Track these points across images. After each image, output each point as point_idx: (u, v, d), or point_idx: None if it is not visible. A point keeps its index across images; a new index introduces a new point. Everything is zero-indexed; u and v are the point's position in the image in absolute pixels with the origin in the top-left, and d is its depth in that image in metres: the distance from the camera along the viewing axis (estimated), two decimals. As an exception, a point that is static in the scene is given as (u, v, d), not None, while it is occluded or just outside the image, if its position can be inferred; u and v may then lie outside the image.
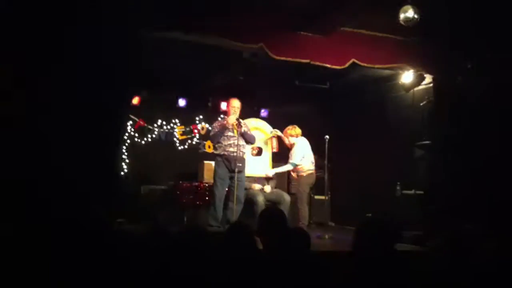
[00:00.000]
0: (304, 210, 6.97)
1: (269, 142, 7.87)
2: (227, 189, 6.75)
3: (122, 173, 8.46)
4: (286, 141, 7.40)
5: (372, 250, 2.79)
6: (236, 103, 6.77)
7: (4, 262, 2.66)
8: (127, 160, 8.73)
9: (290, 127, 7.30)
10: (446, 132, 6.69)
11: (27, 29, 5.05)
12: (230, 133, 6.71)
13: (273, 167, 7.65)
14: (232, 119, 6.62)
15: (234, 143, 6.68)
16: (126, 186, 7.89)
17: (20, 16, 5.03)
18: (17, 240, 3.04)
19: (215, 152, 6.84)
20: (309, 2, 5.99)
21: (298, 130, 7.26)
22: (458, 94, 6.64)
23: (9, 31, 5.00)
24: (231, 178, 6.64)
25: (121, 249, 2.85)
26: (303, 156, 7.07)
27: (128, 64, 5.69)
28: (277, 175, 7.57)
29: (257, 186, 7.29)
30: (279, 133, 7.61)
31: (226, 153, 6.67)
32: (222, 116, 8.47)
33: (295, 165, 7.13)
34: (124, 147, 8.68)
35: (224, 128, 6.69)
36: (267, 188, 7.32)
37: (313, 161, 7.21)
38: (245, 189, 6.97)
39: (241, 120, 6.74)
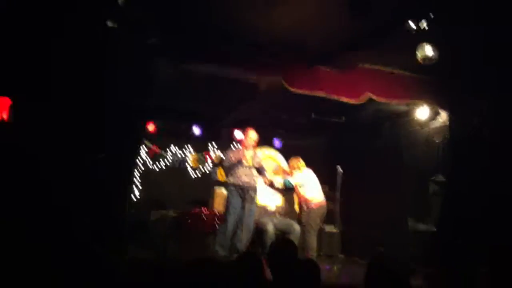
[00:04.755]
0: (313, 242, 6.93)
1: (281, 174, 7.90)
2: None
3: (134, 198, 8.48)
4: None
5: (385, 286, 2.74)
6: (255, 136, 6.83)
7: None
8: (139, 186, 8.76)
9: (293, 158, 7.37)
10: (462, 170, 6.62)
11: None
12: (244, 162, 6.76)
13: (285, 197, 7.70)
14: (249, 154, 6.74)
15: (248, 172, 6.76)
16: (137, 212, 7.89)
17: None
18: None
19: (228, 181, 6.86)
20: (327, 42, 6.05)
21: (301, 163, 7.31)
22: (474, 134, 6.59)
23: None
24: (243, 207, 6.67)
25: (129, 276, 2.84)
26: (302, 184, 7.09)
27: (145, 92, 5.77)
28: (287, 205, 7.61)
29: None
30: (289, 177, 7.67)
31: (240, 182, 6.73)
32: (234, 144, 8.53)
33: (288, 184, 7.31)
34: (137, 173, 8.71)
35: (240, 161, 6.75)
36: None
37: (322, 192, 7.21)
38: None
39: (255, 152, 6.84)
